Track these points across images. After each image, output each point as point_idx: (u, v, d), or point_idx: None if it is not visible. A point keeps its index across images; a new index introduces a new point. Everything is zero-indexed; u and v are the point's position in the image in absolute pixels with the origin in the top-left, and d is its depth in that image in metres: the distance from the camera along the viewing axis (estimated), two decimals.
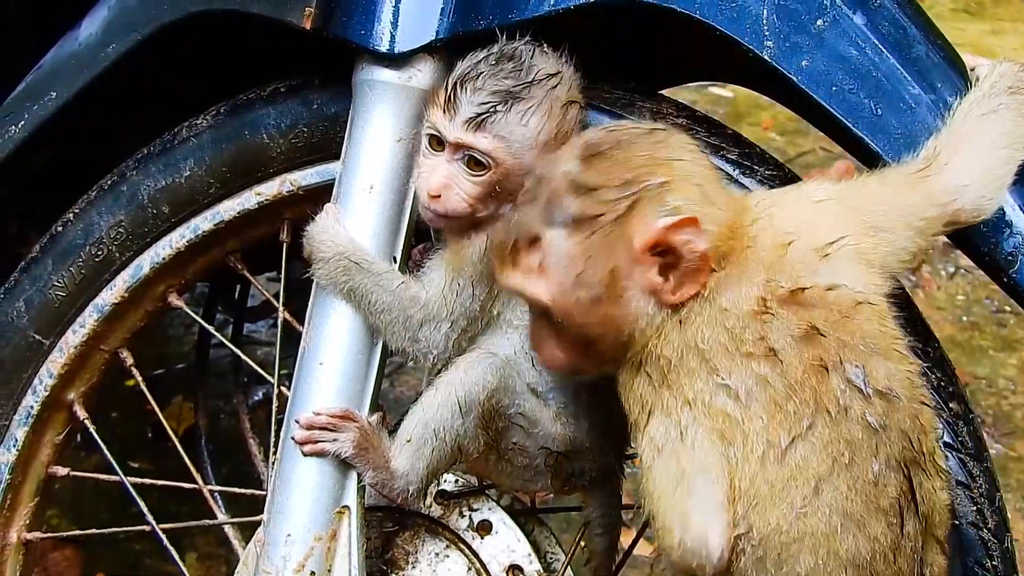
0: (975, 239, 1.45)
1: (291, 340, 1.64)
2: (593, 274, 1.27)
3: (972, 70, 1.46)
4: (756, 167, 1.54)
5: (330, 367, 1.53)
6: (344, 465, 1.52)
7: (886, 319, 1.31)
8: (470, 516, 1.70)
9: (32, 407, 1.75)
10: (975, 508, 1.46)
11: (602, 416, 1.52)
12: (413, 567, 1.68)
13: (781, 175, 1.55)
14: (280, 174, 1.68)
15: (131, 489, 1.76)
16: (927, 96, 1.44)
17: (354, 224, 1.52)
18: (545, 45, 1.46)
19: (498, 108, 1.41)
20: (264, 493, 1.57)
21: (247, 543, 1.61)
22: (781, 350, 1.25)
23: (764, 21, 1.43)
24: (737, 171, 1.53)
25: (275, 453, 1.56)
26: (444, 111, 1.43)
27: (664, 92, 1.68)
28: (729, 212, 1.30)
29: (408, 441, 1.50)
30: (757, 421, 1.24)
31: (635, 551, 1.77)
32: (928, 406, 1.33)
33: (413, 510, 1.67)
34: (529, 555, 1.69)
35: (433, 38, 1.51)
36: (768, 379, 1.25)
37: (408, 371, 3.12)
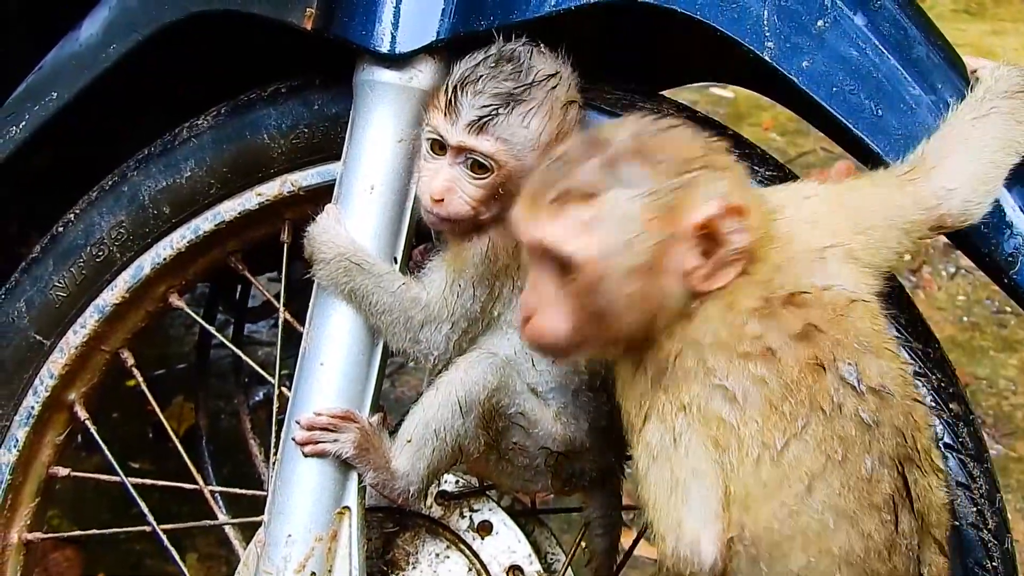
0: (975, 240, 1.45)
1: (292, 341, 1.64)
2: (643, 241, 1.24)
3: (973, 72, 1.46)
4: (757, 168, 1.54)
5: (331, 368, 1.53)
6: (345, 466, 1.52)
7: (877, 317, 1.31)
8: (471, 517, 1.70)
9: (33, 407, 1.75)
10: (975, 509, 1.46)
11: (602, 416, 1.52)
12: (414, 568, 1.68)
13: (782, 176, 1.55)
14: (281, 175, 1.68)
15: (132, 489, 1.76)
16: (927, 97, 1.44)
17: (355, 225, 1.52)
18: (542, 45, 1.46)
19: (500, 111, 1.41)
20: (265, 494, 1.57)
21: (248, 544, 1.62)
22: (778, 349, 1.25)
23: (765, 22, 1.43)
24: None
25: (276, 454, 1.57)
26: (445, 115, 1.43)
27: (664, 93, 1.68)
28: (758, 213, 1.30)
29: (409, 441, 1.51)
30: (752, 425, 1.24)
31: (635, 551, 1.77)
32: (921, 403, 1.33)
33: (414, 511, 1.68)
34: (529, 556, 1.69)
35: (434, 39, 1.51)
36: (765, 379, 1.25)
37: (409, 371, 3.12)
